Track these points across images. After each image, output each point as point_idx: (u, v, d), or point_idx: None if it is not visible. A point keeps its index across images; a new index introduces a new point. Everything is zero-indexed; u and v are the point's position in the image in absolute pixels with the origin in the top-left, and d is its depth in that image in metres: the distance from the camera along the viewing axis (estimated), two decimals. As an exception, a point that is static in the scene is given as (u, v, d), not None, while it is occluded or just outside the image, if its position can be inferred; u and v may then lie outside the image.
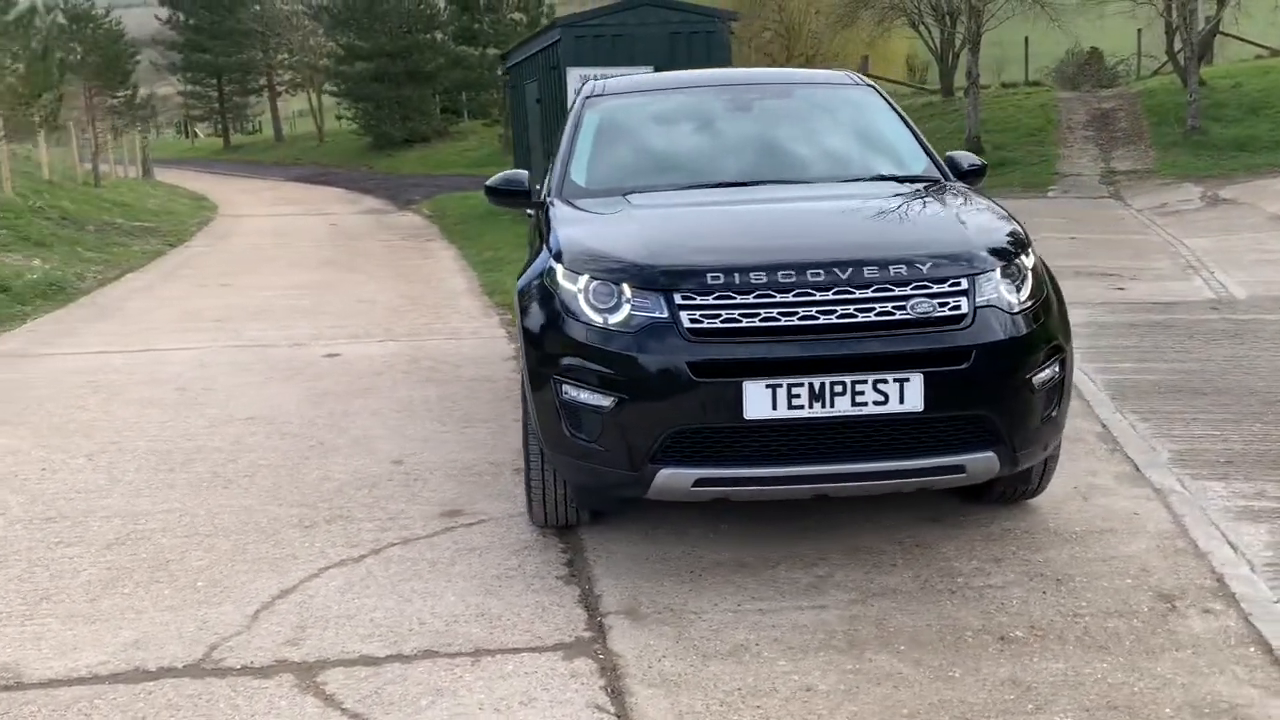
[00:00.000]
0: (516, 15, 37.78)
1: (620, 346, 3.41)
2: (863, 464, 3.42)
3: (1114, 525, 3.98)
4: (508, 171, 4.77)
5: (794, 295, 3.38)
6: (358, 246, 14.92)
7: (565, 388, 3.52)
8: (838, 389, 3.32)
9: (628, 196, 4.24)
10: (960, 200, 4.13)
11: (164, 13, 51.13)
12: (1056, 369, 3.63)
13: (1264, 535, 3.82)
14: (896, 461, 3.42)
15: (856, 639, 3.21)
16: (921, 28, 26.45)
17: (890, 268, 3.43)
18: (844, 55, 35.01)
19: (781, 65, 35.59)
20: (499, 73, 25.53)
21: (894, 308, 3.38)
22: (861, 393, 3.33)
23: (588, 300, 3.53)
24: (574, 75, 16.07)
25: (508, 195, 4.63)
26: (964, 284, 3.45)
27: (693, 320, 3.37)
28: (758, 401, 3.31)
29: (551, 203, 4.36)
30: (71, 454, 5.20)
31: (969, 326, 3.40)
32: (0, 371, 7.20)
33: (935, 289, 3.42)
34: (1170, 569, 3.60)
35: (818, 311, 3.37)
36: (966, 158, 4.75)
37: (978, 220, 3.88)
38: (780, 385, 3.31)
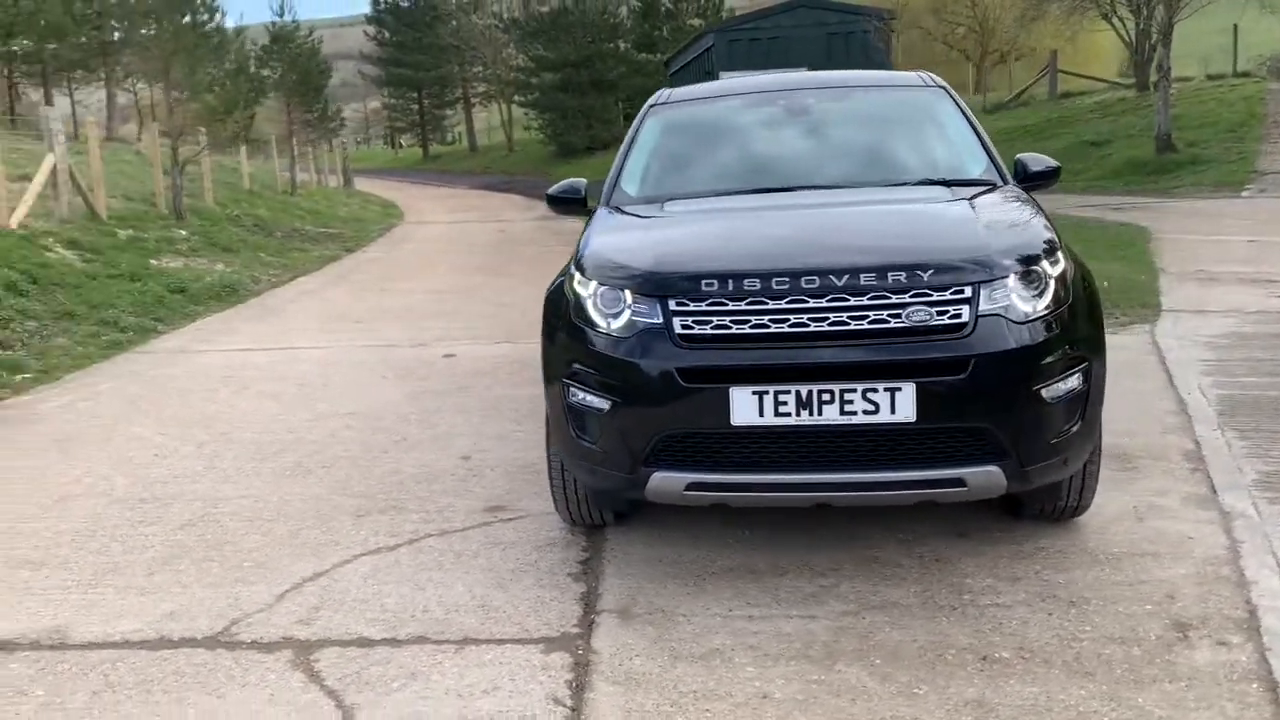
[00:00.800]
0: (695, 21, 38.13)
1: (618, 351, 3.49)
2: (854, 474, 3.37)
3: (1159, 549, 3.75)
4: (569, 179, 4.91)
5: (787, 302, 3.36)
6: (519, 252, 15.47)
7: (572, 390, 3.63)
8: (825, 397, 3.28)
9: (666, 204, 4.31)
10: (997, 204, 3.99)
11: (372, 30, 54.46)
12: (1078, 381, 3.46)
13: (1323, 566, 3.52)
14: (889, 473, 3.35)
15: (834, 650, 3.17)
16: (1115, 19, 25.03)
17: (889, 275, 3.36)
18: (1040, 50, 33.62)
19: (975, 61, 34.49)
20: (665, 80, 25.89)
21: (889, 315, 3.32)
22: (850, 402, 3.28)
23: (596, 306, 3.63)
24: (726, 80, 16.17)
25: (565, 203, 4.77)
26: (967, 291, 3.35)
27: (684, 326, 3.41)
28: (745, 408, 3.32)
29: (596, 211, 4.48)
30: (185, 441, 5.70)
31: (968, 336, 3.29)
32: (155, 366, 7.92)
33: (936, 297, 3.33)
34: (1199, 597, 3.37)
35: (809, 319, 3.34)
36: (1037, 161, 4.58)
37: (1003, 225, 3.74)
38: (767, 392, 3.30)
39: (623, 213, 4.34)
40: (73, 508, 4.67)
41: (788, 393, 3.30)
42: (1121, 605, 3.35)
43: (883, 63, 15.53)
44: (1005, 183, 4.38)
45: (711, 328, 3.39)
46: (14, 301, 9.17)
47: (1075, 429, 3.47)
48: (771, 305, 3.37)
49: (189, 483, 4.98)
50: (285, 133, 22.80)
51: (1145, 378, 6.10)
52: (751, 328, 3.36)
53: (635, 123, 5.07)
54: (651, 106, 5.14)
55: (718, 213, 4.19)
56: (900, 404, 3.27)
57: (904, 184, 4.36)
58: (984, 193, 4.17)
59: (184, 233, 14.65)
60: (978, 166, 4.48)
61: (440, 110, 57.80)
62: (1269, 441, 4.80)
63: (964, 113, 4.75)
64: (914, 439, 3.32)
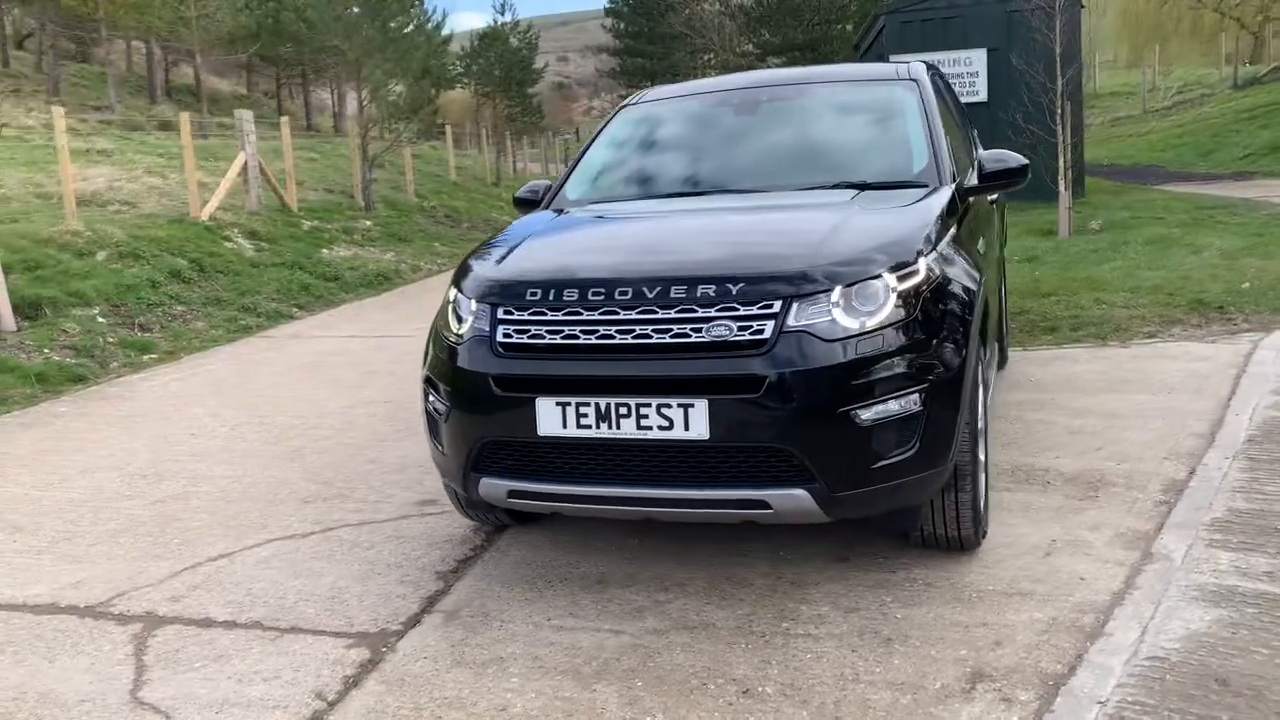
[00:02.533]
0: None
1: (454, 357, 3.56)
2: (657, 490, 3.27)
3: (1037, 589, 3.42)
4: (534, 182, 4.99)
5: (599, 314, 3.31)
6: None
7: (428, 394, 3.73)
8: (623, 411, 3.22)
9: (588, 208, 4.32)
10: (882, 210, 3.74)
11: (609, 23, 55.94)
12: (912, 403, 3.21)
13: (1200, 623, 3.09)
14: (690, 490, 3.23)
15: (607, 669, 3.11)
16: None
17: (698, 288, 3.24)
18: None
19: (1253, 29, 31.29)
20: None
21: (691, 330, 3.20)
22: (646, 416, 3.20)
23: (452, 311, 3.71)
24: (898, 64, 15.53)
25: (526, 204, 4.85)
26: (776, 306, 3.17)
27: (505, 334, 3.43)
28: (549, 419, 3.30)
29: (524, 216, 4.54)
30: (224, 423, 6.21)
31: (766, 353, 3.13)
32: (263, 350, 8.62)
33: (742, 311, 3.19)
34: (1028, 646, 3.05)
35: (617, 331, 3.28)
36: (997, 159, 4.28)
37: (861, 235, 3.49)
38: (569, 404, 3.27)
39: (537, 218, 4.38)
40: (85, 480, 5.23)
41: (588, 405, 3.25)
42: (936, 649, 3.09)
43: (1074, 42, 14.40)
44: (942, 184, 4.08)
45: (528, 337, 3.39)
46: (173, 288, 10.22)
47: (907, 455, 3.22)
48: (585, 316, 3.33)
49: (193, 461, 5.45)
50: (490, 127, 23.93)
51: (1203, 395, 5.48)
52: (563, 338, 3.34)
53: (602, 123, 5.08)
54: (622, 107, 5.12)
55: (609, 219, 4.15)
56: (694, 421, 3.15)
57: (817, 188, 4.14)
58: (890, 196, 3.91)
59: (368, 223, 15.72)
60: (917, 165, 4.20)
61: (673, 98, 58.57)
62: (1271, 475, 4.23)
63: (925, 108, 4.44)
64: (710, 457, 3.20)
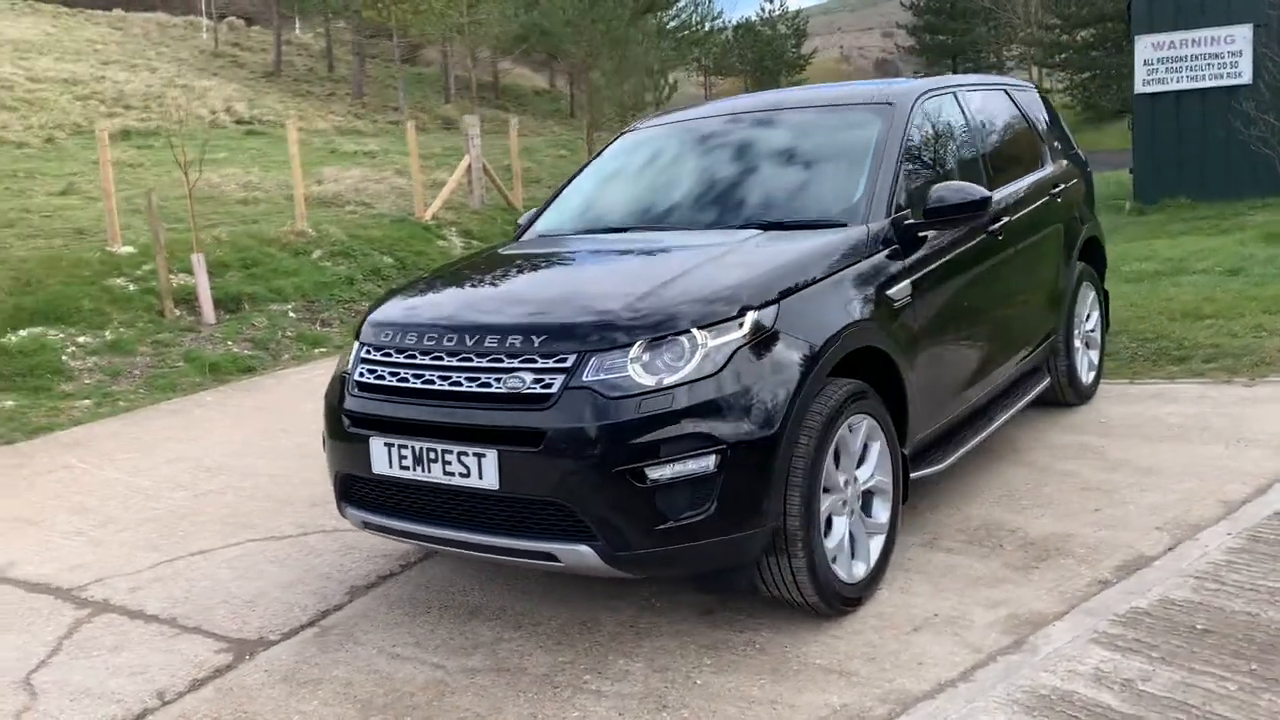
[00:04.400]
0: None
1: (329, 391, 3.80)
2: (464, 534, 3.37)
3: (862, 670, 3.20)
4: (534, 210, 5.13)
5: (429, 358, 3.44)
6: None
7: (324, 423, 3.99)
8: (432, 455, 3.33)
9: (524, 244, 4.45)
10: (743, 257, 3.60)
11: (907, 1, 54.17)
12: (708, 464, 3.09)
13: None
14: (490, 537, 3.30)
15: (394, 704, 3.24)
16: None
17: (508, 339, 3.30)
18: None
19: None
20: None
21: (494, 380, 3.26)
22: (450, 462, 3.30)
23: (349, 347, 3.94)
24: (1144, 45, 14.07)
25: (520, 231, 5.02)
26: (570, 360, 3.16)
27: (360, 374, 3.63)
28: (380, 458, 3.47)
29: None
30: (286, 436, 6.78)
31: (550, 408, 3.13)
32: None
33: (539, 364, 3.21)
34: (786, 734, 2.87)
35: (438, 376, 3.39)
36: (944, 195, 3.96)
37: (693, 282, 3.38)
38: (394, 445, 3.43)
39: (480, 252, 4.53)
40: (164, 469, 5.96)
41: (407, 447, 3.39)
42: (701, 724, 2.98)
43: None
44: (869, 222, 3.83)
45: (374, 376, 3.57)
46: (368, 285, 11.19)
47: (701, 518, 3.11)
48: (418, 360, 3.47)
49: (256, 458, 6.06)
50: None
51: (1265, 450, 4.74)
52: (398, 380, 3.49)
53: (599, 150, 5.13)
54: (617, 136, 5.15)
55: (514, 258, 4.24)
56: (486, 470, 3.22)
57: (724, 227, 4.02)
58: (785, 238, 3.74)
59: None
60: (843, 204, 3.96)
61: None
62: (1253, 561, 3.65)
63: (883, 139, 4.15)
64: (503, 507, 3.24)
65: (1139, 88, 14.29)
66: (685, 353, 3.15)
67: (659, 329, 3.19)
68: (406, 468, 3.40)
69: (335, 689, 3.38)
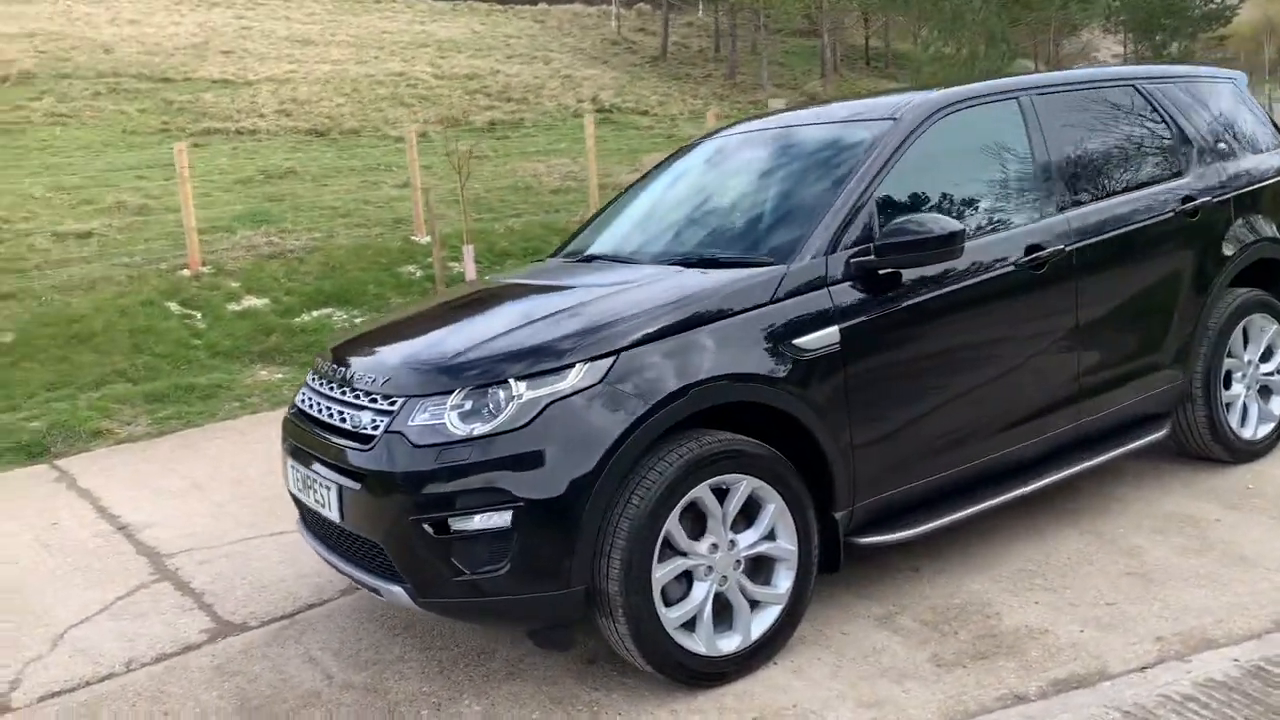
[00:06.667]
0: None
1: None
2: (335, 559, 3.55)
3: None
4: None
5: (332, 388, 3.62)
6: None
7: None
8: (310, 480, 3.54)
9: (515, 271, 4.50)
10: (613, 301, 3.42)
11: None
12: (503, 520, 3.02)
13: None
14: (346, 565, 3.46)
15: (271, 705, 3.50)
16: None
17: (372, 377, 3.41)
18: None
19: None
20: None
21: (350, 415, 3.39)
22: (314, 490, 3.49)
23: None
24: None
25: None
26: (398, 403, 3.22)
27: (301, 395, 3.90)
28: (289, 477, 3.75)
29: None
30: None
31: (369, 450, 3.21)
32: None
33: (379, 405, 3.30)
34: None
35: (324, 405, 3.58)
36: (902, 228, 3.48)
37: (536, 329, 3.27)
38: (293, 466, 3.69)
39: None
40: (197, 485, 6.48)
41: (298, 472, 3.63)
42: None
43: None
44: (791, 261, 3.47)
45: (300, 399, 3.84)
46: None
47: (497, 574, 3.05)
48: (322, 388, 3.69)
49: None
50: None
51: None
52: (307, 405, 3.73)
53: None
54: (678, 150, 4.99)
55: (464, 294, 4.31)
56: (331, 502, 3.37)
57: (663, 262, 3.80)
58: (693, 277, 3.50)
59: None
60: (783, 238, 3.62)
61: None
62: (1234, 707, 2.89)
63: (855, 164, 3.70)
64: (346, 539, 3.38)
65: None
66: (500, 403, 3.09)
67: (481, 378, 3.15)
68: (299, 488, 3.65)
69: (240, 683, 3.71)
